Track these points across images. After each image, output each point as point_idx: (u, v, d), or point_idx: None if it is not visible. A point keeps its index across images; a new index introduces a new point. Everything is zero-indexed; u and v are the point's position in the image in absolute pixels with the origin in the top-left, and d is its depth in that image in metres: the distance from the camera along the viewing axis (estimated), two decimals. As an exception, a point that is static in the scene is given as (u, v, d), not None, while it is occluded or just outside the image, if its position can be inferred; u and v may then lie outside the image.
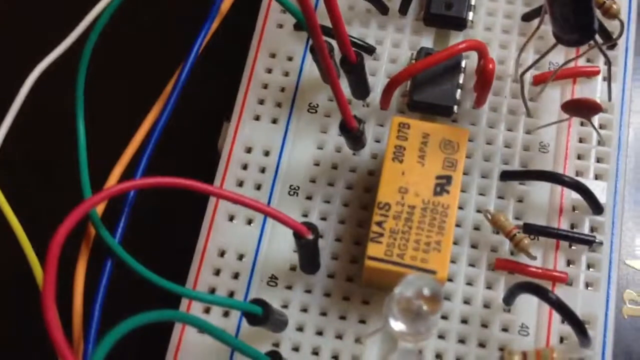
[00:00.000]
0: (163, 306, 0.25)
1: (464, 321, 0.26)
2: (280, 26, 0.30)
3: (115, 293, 0.24)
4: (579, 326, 0.24)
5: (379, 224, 0.25)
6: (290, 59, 0.30)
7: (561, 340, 0.25)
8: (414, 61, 0.29)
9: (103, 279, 0.23)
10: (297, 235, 0.24)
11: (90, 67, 0.26)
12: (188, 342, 0.25)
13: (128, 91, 0.32)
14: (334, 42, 0.26)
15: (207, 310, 0.26)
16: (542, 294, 0.23)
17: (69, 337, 0.23)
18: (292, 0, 0.27)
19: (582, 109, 0.25)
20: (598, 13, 0.26)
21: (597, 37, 0.27)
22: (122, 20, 0.27)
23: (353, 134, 0.26)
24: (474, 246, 0.27)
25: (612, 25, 0.28)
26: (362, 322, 0.26)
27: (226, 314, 0.26)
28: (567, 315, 0.23)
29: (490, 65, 0.27)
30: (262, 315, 0.24)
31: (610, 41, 0.26)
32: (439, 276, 0.24)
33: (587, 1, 0.22)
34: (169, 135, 0.27)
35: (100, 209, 0.25)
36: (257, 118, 0.29)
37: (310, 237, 0.24)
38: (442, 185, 0.25)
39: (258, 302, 0.24)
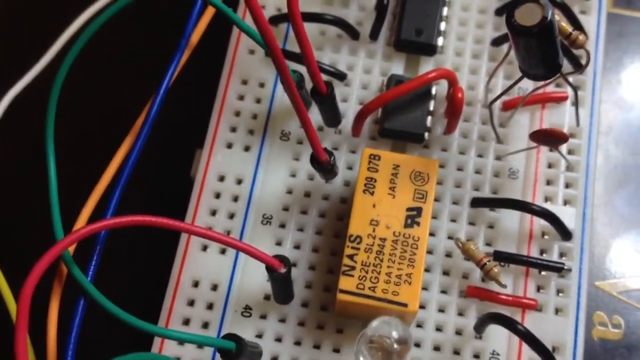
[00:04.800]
0: (139, 341, 0.25)
1: (437, 348, 0.26)
2: (252, 52, 0.30)
3: (90, 330, 0.24)
4: (547, 355, 0.24)
5: (351, 257, 0.25)
6: (262, 85, 0.30)
7: (531, 366, 0.26)
8: (385, 88, 0.29)
9: (76, 319, 0.23)
10: (270, 269, 0.25)
11: (60, 100, 0.26)
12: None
13: (99, 125, 0.32)
14: (304, 70, 0.26)
15: (182, 343, 0.26)
16: (510, 325, 0.24)
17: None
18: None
19: (549, 138, 0.26)
20: (565, 42, 0.26)
21: (567, 63, 0.28)
22: (91, 55, 0.27)
23: (324, 167, 0.26)
24: (445, 273, 0.27)
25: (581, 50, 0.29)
26: (336, 351, 0.26)
27: (201, 346, 0.26)
28: (535, 345, 0.24)
29: (460, 95, 0.27)
30: (235, 351, 0.24)
31: (579, 69, 0.26)
32: (410, 309, 0.24)
33: (551, 41, 0.23)
34: (142, 164, 0.27)
35: (72, 247, 0.25)
36: (229, 146, 0.29)
37: (283, 270, 0.24)
38: (413, 217, 0.25)
39: (231, 337, 0.24)
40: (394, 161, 0.26)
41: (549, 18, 0.22)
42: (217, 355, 0.25)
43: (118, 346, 0.23)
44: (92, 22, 0.25)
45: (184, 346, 0.26)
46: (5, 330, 0.23)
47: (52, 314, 0.24)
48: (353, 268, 0.25)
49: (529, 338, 0.24)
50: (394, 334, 0.20)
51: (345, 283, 0.24)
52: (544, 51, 0.23)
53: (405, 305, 0.24)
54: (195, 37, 0.27)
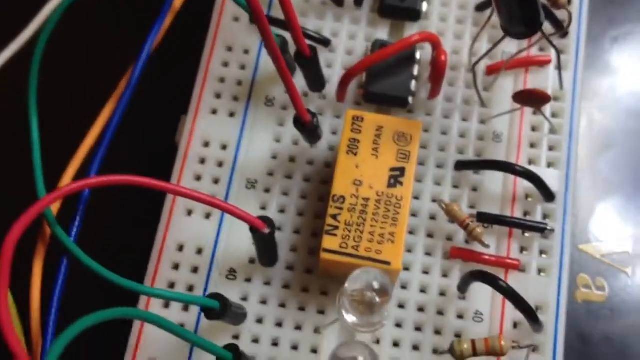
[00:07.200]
0: (123, 303, 0.25)
1: (421, 309, 0.26)
2: (236, 19, 0.30)
3: (74, 292, 0.25)
4: (529, 313, 0.24)
5: (334, 216, 0.25)
6: (246, 52, 0.30)
7: (515, 325, 0.26)
8: (369, 53, 0.29)
9: (59, 278, 0.23)
10: (254, 230, 0.25)
11: (42, 64, 0.26)
12: (148, 338, 0.26)
13: (83, 89, 0.32)
14: (288, 36, 0.26)
15: (166, 305, 0.26)
16: (492, 282, 0.24)
17: (27, 337, 0.24)
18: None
19: (532, 99, 0.26)
20: (547, 2, 0.26)
21: (549, 26, 0.28)
22: (74, 18, 0.27)
23: (307, 128, 0.26)
24: (429, 235, 0.27)
25: (565, 13, 0.29)
26: (321, 312, 0.26)
27: (186, 308, 0.26)
28: (517, 302, 0.24)
29: (443, 57, 0.27)
30: (219, 310, 0.24)
31: (560, 30, 0.27)
32: (393, 267, 0.24)
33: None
34: (127, 131, 0.27)
35: (55, 207, 0.25)
36: (214, 112, 0.29)
37: (266, 230, 0.25)
38: (396, 177, 0.25)
39: (215, 296, 0.24)
40: (377, 122, 0.26)
41: (528, -28, 0.22)
42: (202, 318, 0.26)
43: (102, 308, 0.23)
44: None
45: (169, 309, 0.26)
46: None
47: (35, 274, 0.24)
48: (336, 227, 0.25)
49: (510, 294, 0.24)
50: (375, 284, 0.20)
51: (328, 242, 0.25)
52: (524, 7, 0.23)
53: (388, 263, 0.24)
54: (178, 2, 0.27)
